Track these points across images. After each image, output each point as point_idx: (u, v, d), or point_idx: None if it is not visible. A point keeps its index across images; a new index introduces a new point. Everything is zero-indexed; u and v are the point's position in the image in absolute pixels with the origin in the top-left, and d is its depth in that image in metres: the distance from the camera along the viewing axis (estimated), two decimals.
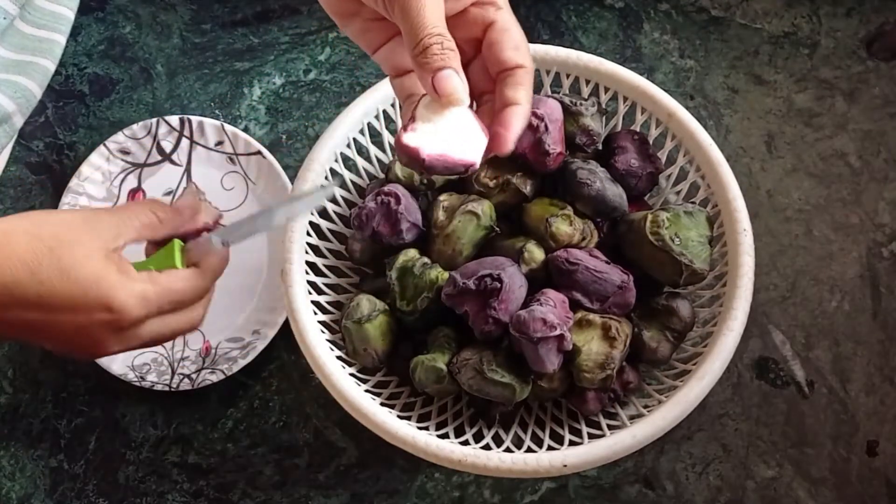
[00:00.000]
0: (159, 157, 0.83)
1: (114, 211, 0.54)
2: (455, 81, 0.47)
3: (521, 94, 0.49)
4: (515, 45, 0.49)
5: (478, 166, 0.49)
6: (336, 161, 0.72)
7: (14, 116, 0.75)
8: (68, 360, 0.79)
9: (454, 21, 0.50)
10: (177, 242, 0.56)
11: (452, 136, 0.48)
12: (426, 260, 0.68)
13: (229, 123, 0.84)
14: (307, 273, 0.69)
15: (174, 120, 0.83)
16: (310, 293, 0.68)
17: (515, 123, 0.48)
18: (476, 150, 0.48)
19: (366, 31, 0.53)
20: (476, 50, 0.51)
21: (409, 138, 0.47)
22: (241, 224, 0.58)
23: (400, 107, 0.61)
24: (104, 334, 0.51)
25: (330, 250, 0.74)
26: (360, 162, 0.75)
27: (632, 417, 0.66)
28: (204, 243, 0.57)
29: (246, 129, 0.85)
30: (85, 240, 0.50)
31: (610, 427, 0.66)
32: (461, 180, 0.72)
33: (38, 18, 0.77)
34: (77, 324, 0.50)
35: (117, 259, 0.51)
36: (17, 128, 0.76)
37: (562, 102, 0.70)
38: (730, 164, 0.69)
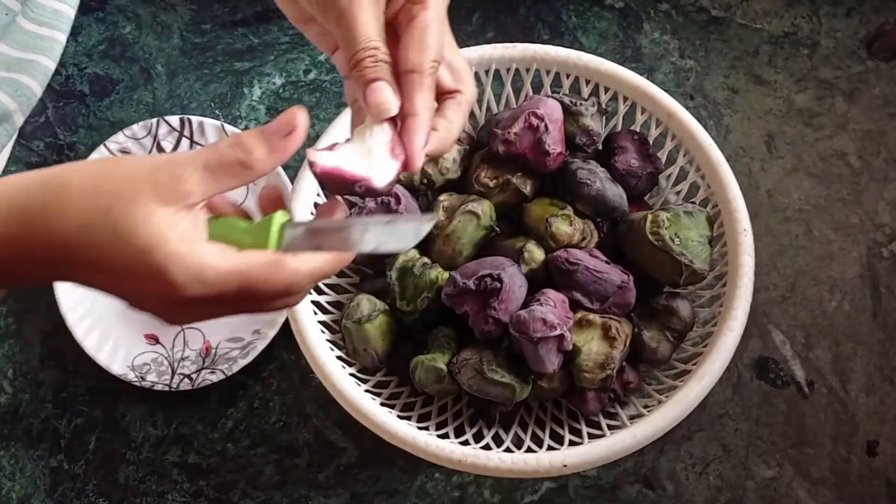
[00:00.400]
0: None
1: (191, 158, 0.44)
2: (384, 93, 0.45)
3: (415, 102, 0.46)
4: (420, 47, 0.46)
5: (380, 188, 0.46)
6: None
7: (14, 115, 0.75)
8: (68, 360, 0.79)
9: (395, 21, 0.48)
10: (278, 217, 0.45)
11: (367, 156, 0.46)
12: (426, 260, 0.68)
13: (229, 123, 0.83)
14: None
15: (174, 120, 0.83)
16: (310, 293, 0.68)
17: (415, 139, 0.46)
18: (383, 172, 0.46)
19: (323, 34, 0.53)
20: None
21: (317, 153, 0.46)
22: (334, 227, 0.47)
23: None
24: (161, 305, 0.46)
25: None
26: None
27: (632, 417, 0.66)
28: (312, 233, 0.46)
29: (246, 129, 0.85)
30: (146, 198, 0.43)
31: (610, 427, 0.66)
32: (461, 180, 0.72)
33: (40, 16, 0.77)
34: (135, 290, 0.45)
35: (189, 220, 0.44)
36: (18, 126, 0.76)
37: (562, 102, 0.70)
38: (730, 164, 0.69)
